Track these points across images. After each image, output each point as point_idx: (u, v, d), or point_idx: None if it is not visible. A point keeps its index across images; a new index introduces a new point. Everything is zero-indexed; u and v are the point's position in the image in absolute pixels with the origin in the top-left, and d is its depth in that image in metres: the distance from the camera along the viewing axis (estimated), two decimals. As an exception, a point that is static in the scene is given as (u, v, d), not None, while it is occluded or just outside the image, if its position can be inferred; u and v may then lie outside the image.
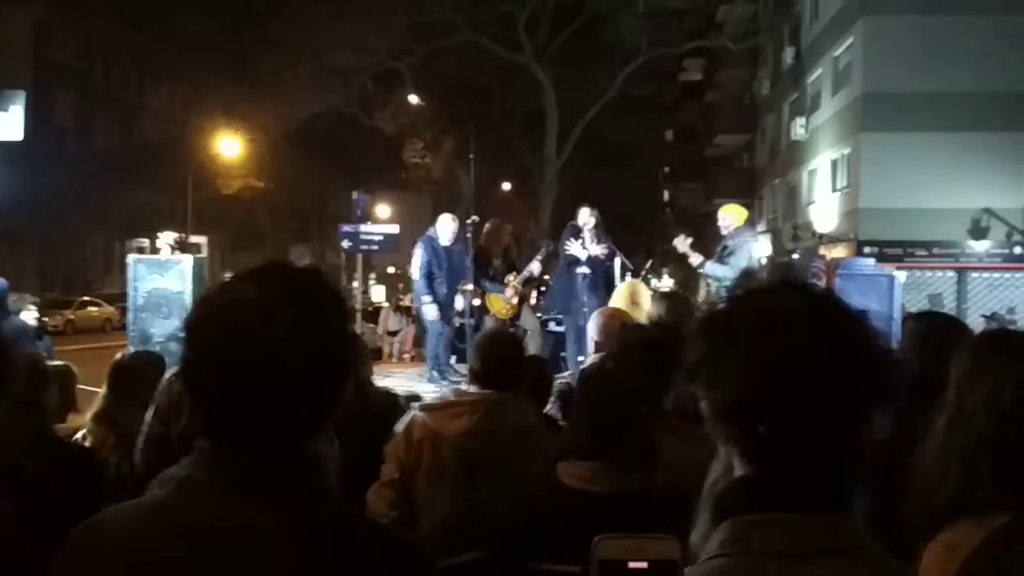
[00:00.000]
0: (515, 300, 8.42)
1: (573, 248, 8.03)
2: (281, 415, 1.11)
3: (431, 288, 8.03)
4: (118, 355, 3.80)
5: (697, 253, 7.57)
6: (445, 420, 2.89)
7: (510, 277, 8.44)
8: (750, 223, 8.48)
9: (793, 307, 1.01)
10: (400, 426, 3.02)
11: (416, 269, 8.09)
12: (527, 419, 2.99)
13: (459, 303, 8.43)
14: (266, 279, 1.16)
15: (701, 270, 7.63)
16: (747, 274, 6.82)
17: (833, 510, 0.99)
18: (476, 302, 8.76)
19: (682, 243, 7.75)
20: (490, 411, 2.89)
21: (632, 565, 0.85)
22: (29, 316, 7.73)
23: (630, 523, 2.07)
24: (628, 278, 8.37)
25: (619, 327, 3.61)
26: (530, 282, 8.68)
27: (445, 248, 8.19)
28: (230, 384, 1.11)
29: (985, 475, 1.39)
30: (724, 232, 7.57)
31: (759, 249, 7.70)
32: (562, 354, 8.65)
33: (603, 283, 8.11)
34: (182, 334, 1.16)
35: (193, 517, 1.08)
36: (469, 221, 9.30)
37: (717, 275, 7.29)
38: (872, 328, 1.03)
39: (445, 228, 8.27)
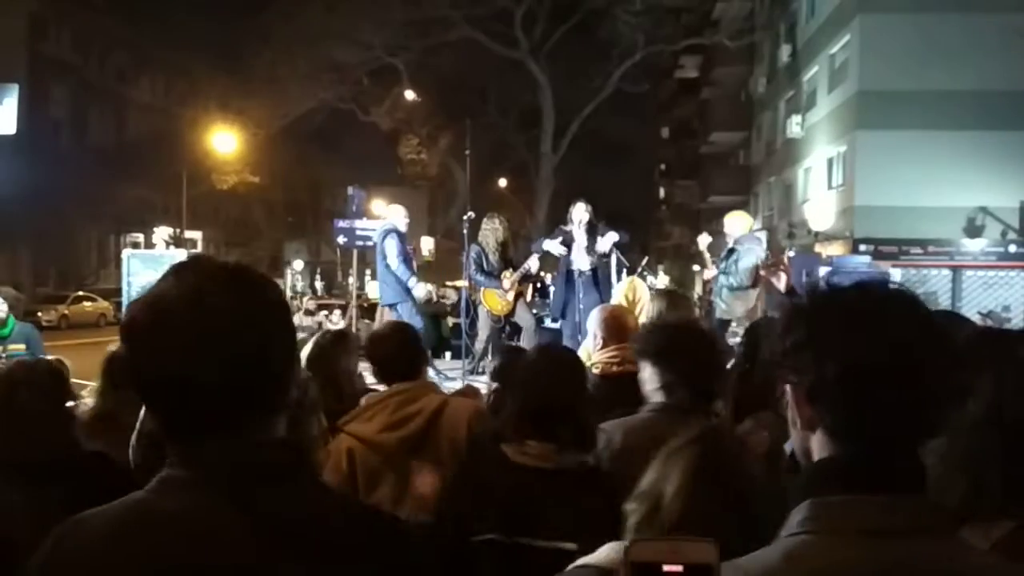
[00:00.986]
0: (511, 296, 8.40)
1: (552, 246, 8.09)
2: (226, 403, 1.10)
3: (413, 273, 8.30)
4: (111, 348, 3.74)
5: (713, 265, 8.08)
6: (360, 426, 2.90)
7: (507, 273, 8.41)
8: (753, 227, 9.01)
9: (888, 298, 1.09)
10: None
11: (395, 259, 8.24)
12: (438, 398, 3.00)
13: (421, 291, 8.54)
14: (186, 271, 1.16)
15: (715, 284, 8.02)
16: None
17: (914, 492, 1.03)
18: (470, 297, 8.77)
19: (703, 242, 8.43)
20: (399, 404, 2.90)
21: (667, 568, 0.84)
22: None
23: (572, 496, 2.10)
24: (624, 274, 8.38)
25: (632, 326, 3.65)
26: (527, 278, 8.65)
27: (403, 234, 8.51)
28: (163, 379, 1.10)
29: (992, 486, 1.38)
30: (728, 238, 8.00)
31: (762, 251, 8.11)
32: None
33: (602, 280, 8.09)
34: (122, 339, 1.16)
35: (170, 517, 1.08)
36: (465, 218, 9.28)
37: (730, 283, 7.76)
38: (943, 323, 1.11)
39: (402, 216, 8.54)
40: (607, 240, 7.96)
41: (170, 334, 1.10)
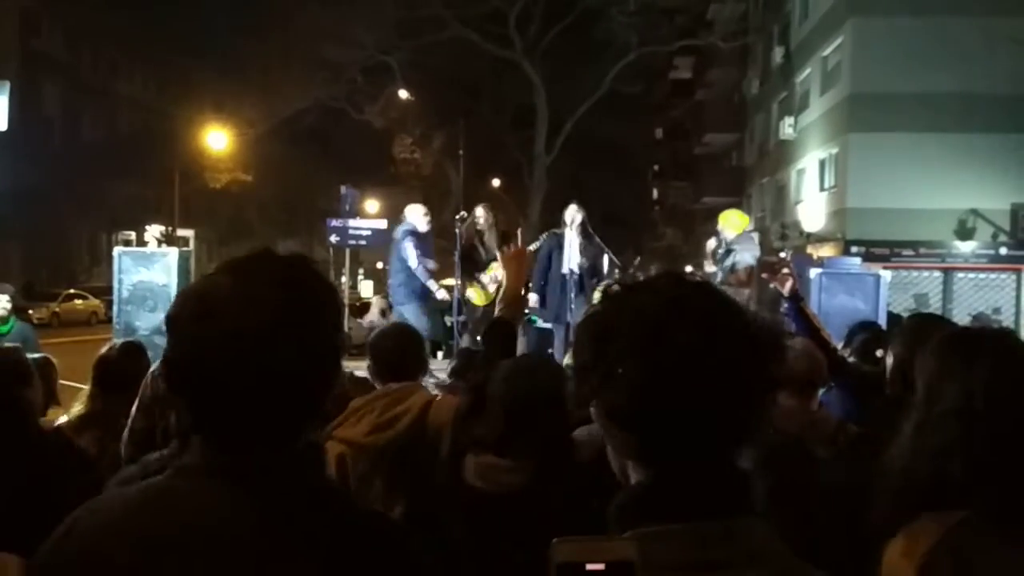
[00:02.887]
0: (492, 288, 8.42)
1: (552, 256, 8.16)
2: (266, 407, 1.09)
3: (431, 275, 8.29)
4: (103, 349, 3.72)
5: (714, 266, 8.18)
6: (350, 429, 2.90)
7: (494, 264, 8.42)
8: (747, 227, 9.13)
9: (675, 300, 0.99)
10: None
11: (415, 260, 8.18)
12: (424, 397, 2.99)
13: (442, 295, 8.51)
14: (247, 269, 1.14)
15: (716, 280, 8.12)
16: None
17: (735, 513, 0.96)
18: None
19: (711, 245, 8.52)
20: (386, 405, 2.90)
21: (590, 567, 0.85)
22: None
23: (523, 523, 2.03)
24: (616, 274, 8.42)
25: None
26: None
27: (424, 234, 8.40)
28: (209, 376, 1.09)
29: (953, 476, 1.38)
30: (725, 238, 8.16)
31: (757, 251, 8.22)
32: (549, 351, 8.65)
33: (592, 283, 8.12)
34: (168, 328, 1.14)
35: (187, 501, 1.08)
36: (458, 217, 9.28)
37: (720, 280, 7.84)
38: (751, 312, 1.02)
39: (420, 216, 8.45)
40: (579, 259, 7.98)
41: (212, 330, 1.08)
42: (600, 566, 0.85)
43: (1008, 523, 1.31)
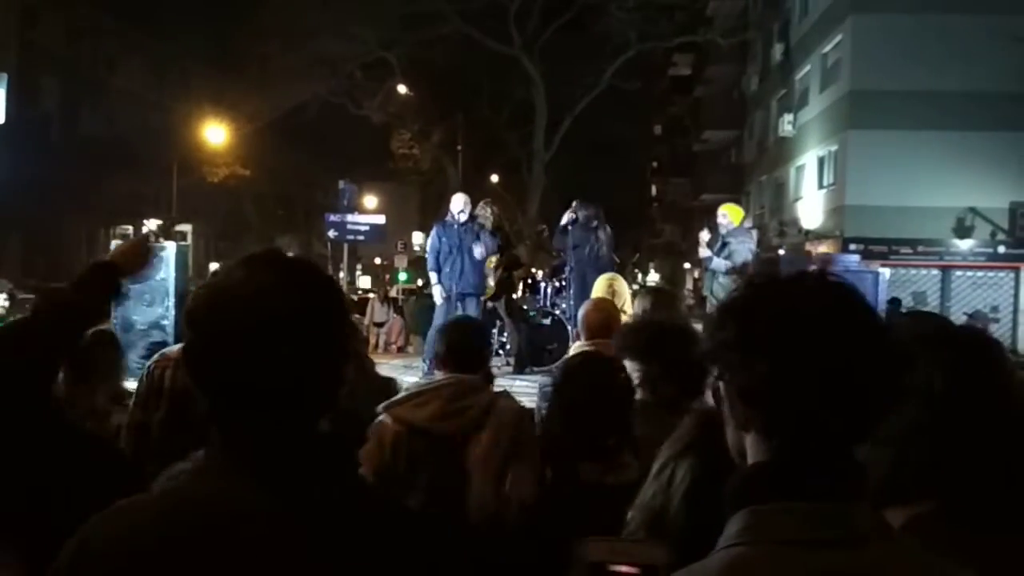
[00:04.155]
0: (490, 281, 8.53)
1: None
2: (284, 396, 1.13)
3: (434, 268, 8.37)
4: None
5: (708, 249, 8.12)
6: (412, 411, 2.91)
7: (491, 258, 8.51)
8: (745, 221, 9.09)
9: (822, 297, 1.04)
10: (371, 430, 3.03)
11: (428, 250, 8.45)
12: (489, 395, 3.02)
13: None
14: (258, 263, 1.19)
15: (708, 265, 8.12)
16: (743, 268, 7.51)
17: (851, 499, 1.01)
18: None
19: (704, 238, 8.42)
20: (456, 393, 2.91)
21: (618, 569, 0.85)
22: None
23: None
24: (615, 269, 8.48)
25: (601, 321, 3.69)
26: (515, 265, 8.80)
27: (458, 225, 8.33)
28: (224, 368, 1.13)
29: (915, 462, 1.38)
30: (723, 230, 8.12)
31: (753, 245, 8.21)
32: (548, 347, 8.69)
33: (592, 275, 8.19)
34: (186, 323, 1.19)
35: (209, 503, 1.09)
36: (460, 211, 9.32)
37: (719, 268, 7.91)
38: (889, 323, 1.08)
39: (452, 204, 8.52)
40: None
41: (228, 323, 1.12)
42: (629, 568, 0.85)
43: (970, 514, 1.32)
